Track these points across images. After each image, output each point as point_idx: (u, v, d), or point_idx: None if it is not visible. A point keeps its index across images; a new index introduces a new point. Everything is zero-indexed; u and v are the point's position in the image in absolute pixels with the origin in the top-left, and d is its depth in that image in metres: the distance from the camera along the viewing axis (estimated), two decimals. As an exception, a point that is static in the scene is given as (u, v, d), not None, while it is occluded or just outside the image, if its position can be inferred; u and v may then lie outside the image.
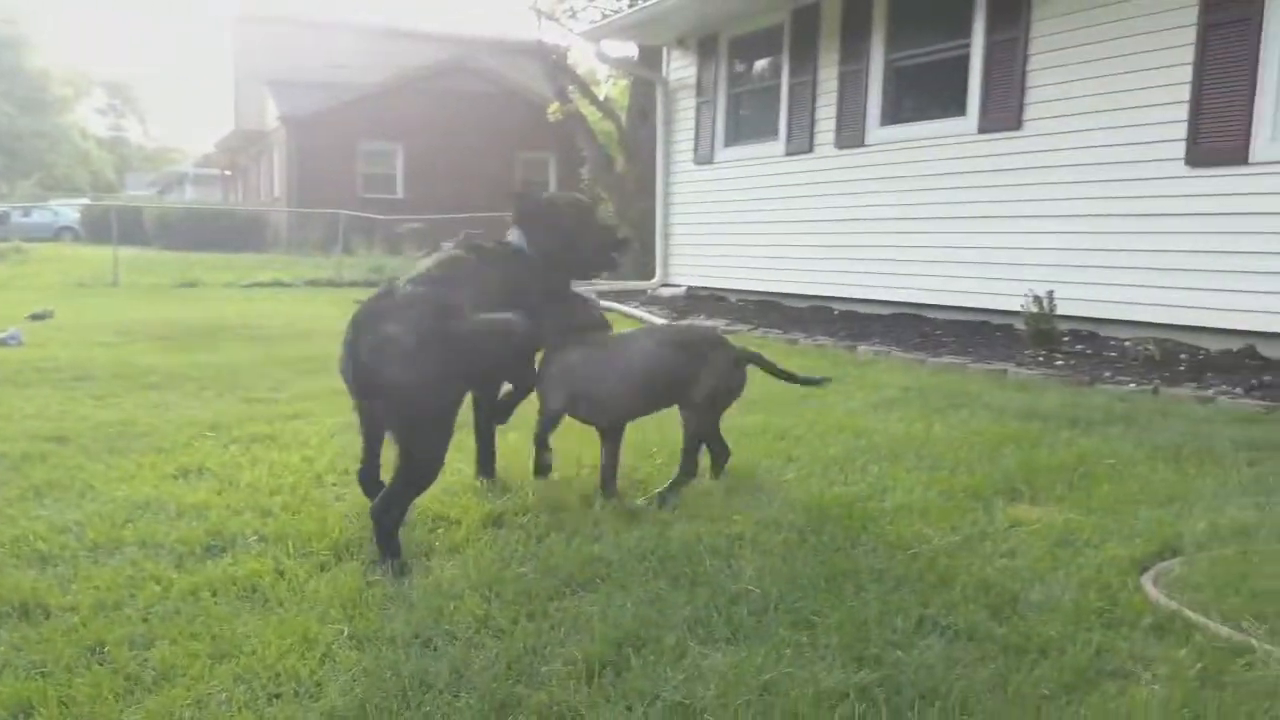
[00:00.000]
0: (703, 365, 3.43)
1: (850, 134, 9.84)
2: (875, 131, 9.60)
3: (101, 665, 2.15)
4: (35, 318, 9.45)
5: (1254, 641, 2.22)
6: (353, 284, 15.18)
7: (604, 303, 11.27)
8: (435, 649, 2.23)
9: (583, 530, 3.04)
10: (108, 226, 18.86)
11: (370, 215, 22.53)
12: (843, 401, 5.27)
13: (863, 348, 7.63)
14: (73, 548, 2.86)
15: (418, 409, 2.88)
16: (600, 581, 2.62)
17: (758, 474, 3.71)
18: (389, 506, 2.85)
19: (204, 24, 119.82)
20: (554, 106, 18.37)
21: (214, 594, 2.55)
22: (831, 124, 10.08)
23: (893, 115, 9.53)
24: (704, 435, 3.52)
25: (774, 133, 10.96)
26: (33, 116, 56.00)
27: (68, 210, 38.16)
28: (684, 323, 3.92)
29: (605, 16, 17.18)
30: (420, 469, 2.92)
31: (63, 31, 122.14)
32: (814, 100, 10.32)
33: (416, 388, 2.84)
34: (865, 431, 4.47)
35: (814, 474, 3.73)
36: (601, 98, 20.63)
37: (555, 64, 18.97)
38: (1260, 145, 6.51)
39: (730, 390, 3.53)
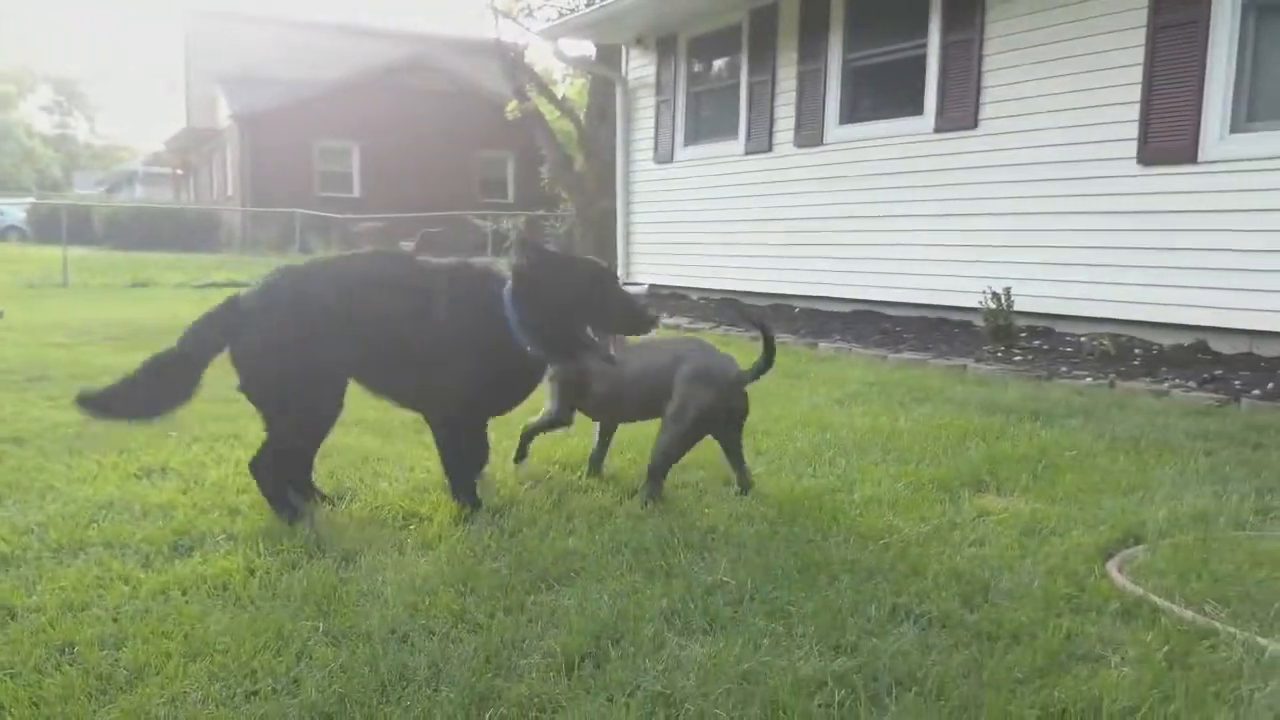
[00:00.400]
0: (671, 380, 3.32)
1: (809, 133, 9.91)
2: (834, 130, 9.69)
3: (72, 666, 2.11)
4: (-16, 318, 9.23)
5: (1217, 624, 2.28)
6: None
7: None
8: (412, 644, 2.22)
9: (556, 525, 3.04)
10: (56, 226, 18.51)
11: (327, 214, 22.31)
12: (807, 396, 5.32)
13: (824, 344, 7.70)
14: (36, 549, 2.81)
15: (257, 375, 3.10)
16: (575, 575, 2.62)
17: (727, 468, 3.72)
18: (263, 465, 3.18)
19: (155, 19, 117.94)
20: (512, 105, 18.29)
21: (184, 593, 2.51)
22: (790, 123, 10.15)
23: (851, 114, 9.61)
24: (667, 453, 3.32)
25: (733, 132, 11.01)
26: (-25, 113, 54.78)
27: (13, 209, 37.27)
28: (683, 337, 3.74)
29: (562, 15, 17.15)
30: (274, 435, 3.17)
31: (7, 27, 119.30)
32: (773, 99, 10.38)
33: (251, 355, 3.09)
34: (831, 426, 4.51)
35: (783, 468, 3.76)
36: (560, 97, 20.57)
37: (513, 62, 18.88)
38: (1209, 144, 6.66)
39: (698, 408, 3.27)
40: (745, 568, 2.64)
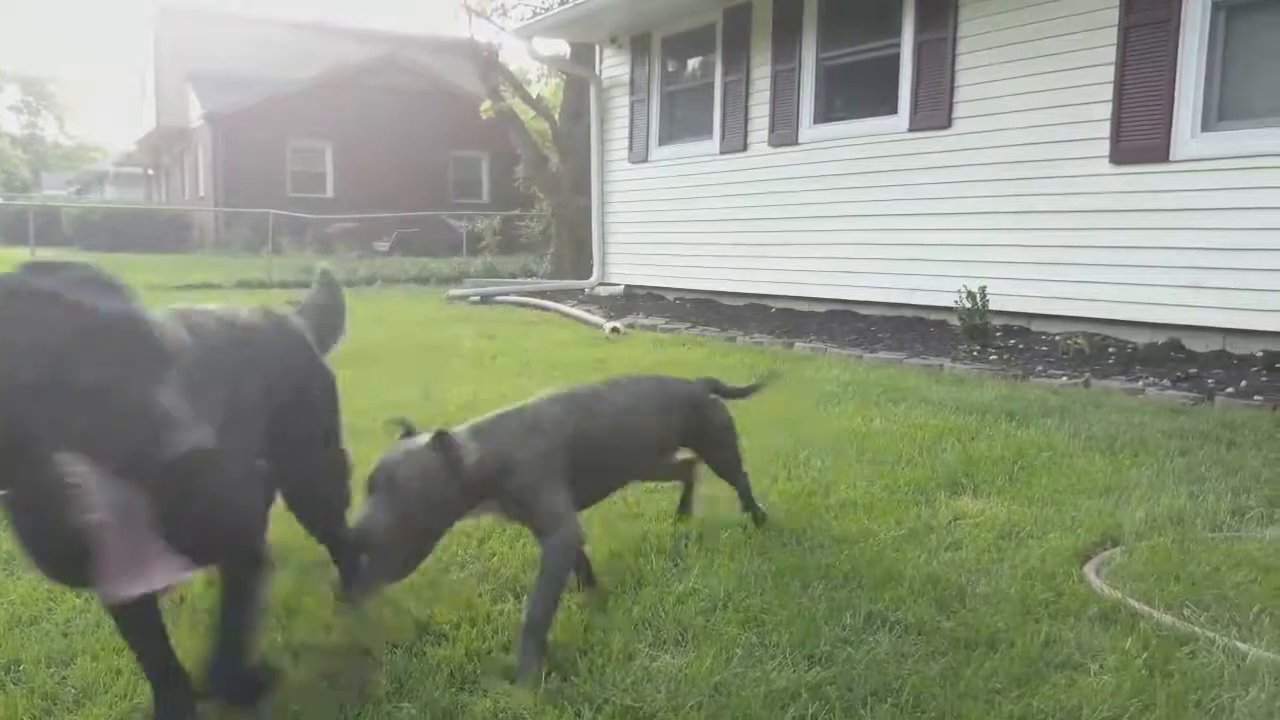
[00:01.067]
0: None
1: (783, 133, 9.88)
2: (808, 130, 9.66)
3: (17, 685, 2.03)
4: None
5: (1196, 629, 2.24)
6: (283, 284, 14.85)
7: (541, 303, 11.20)
8: (375, 658, 2.15)
9: (524, 533, 2.96)
10: (23, 227, 18.21)
11: (300, 215, 22.09)
12: (782, 398, 5.26)
13: (799, 344, 7.66)
14: (-15, 561, 2.72)
15: None
16: (544, 584, 2.56)
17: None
18: None
19: (124, 18, 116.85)
20: (486, 105, 18.16)
21: (138, 606, 2.43)
22: (765, 123, 10.12)
23: (825, 114, 9.59)
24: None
25: (708, 131, 10.97)
26: (-59, 113, 54.03)
27: (-20, 211, 36.71)
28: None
29: (536, 14, 17.04)
30: None
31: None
32: (747, 99, 10.35)
33: None
34: (806, 426, 4.46)
35: (757, 470, 3.67)
36: (534, 96, 20.47)
37: (487, 62, 18.75)
38: (1180, 143, 6.67)
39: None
40: (718, 574, 2.59)
